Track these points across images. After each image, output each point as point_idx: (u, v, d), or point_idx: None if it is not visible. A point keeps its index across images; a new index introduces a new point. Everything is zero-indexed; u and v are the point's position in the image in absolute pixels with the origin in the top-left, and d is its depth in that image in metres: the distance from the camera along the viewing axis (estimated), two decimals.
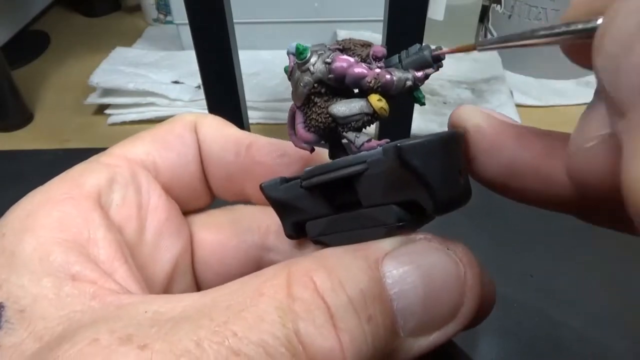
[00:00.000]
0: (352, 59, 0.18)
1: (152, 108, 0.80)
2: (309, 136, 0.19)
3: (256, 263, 0.24)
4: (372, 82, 0.18)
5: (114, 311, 0.14)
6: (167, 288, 0.22)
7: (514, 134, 0.16)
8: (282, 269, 0.14)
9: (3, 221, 0.17)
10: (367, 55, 0.18)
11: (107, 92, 0.82)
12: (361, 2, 0.88)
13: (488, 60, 0.89)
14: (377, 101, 0.18)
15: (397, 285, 0.14)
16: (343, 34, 0.90)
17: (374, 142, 0.18)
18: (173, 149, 0.22)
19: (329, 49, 0.18)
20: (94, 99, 0.82)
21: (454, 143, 0.16)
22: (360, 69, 0.18)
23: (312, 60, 0.18)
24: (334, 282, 0.13)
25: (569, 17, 0.13)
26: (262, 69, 0.88)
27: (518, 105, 0.79)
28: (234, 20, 0.54)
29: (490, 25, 0.90)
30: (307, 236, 0.20)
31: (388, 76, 0.18)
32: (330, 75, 0.18)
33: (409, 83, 0.18)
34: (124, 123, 0.80)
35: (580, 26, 0.12)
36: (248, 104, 0.65)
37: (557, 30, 0.13)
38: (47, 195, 0.18)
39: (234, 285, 0.14)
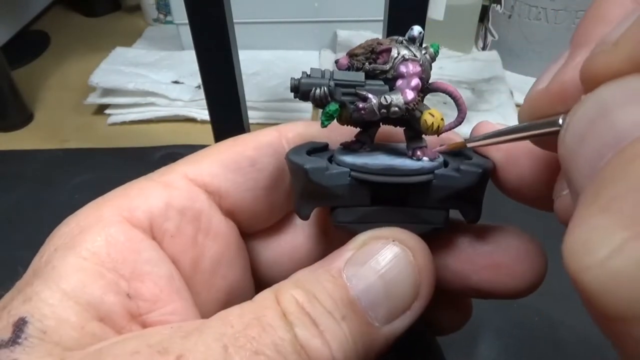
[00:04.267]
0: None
1: (152, 108, 0.80)
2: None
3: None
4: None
5: (141, 332, 0.16)
6: None
7: (526, 153, 0.19)
8: (271, 292, 0.17)
9: (58, 232, 0.18)
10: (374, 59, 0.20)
11: (107, 92, 0.82)
12: (361, 2, 0.88)
13: (488, 60, 0.89)
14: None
15: (358, 285, 0.17)
16: (343, 34, 0.90)
17: (430, 152, 0.20)
18: (242, 174, 0.21)
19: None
20: (94, 99, 0.82)
21: None
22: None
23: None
24: (309, 295, 0.16)
25: (532, 113, 0.16)
26: (262, 69, 0.88)
27: (518, 105, 0.79)
28: (234, 20, 0.54)
29: (490, 25, 0.90)
30: (332, 220, 0.19)
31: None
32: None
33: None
34: (124, 123, 0.80)
35: (549, 129, 0.15)
36: (248, 104, 0.65)
37: (532, 132, 0.16)
38: (100, 212, 0.18)
39: (239, 307, 0.16)
